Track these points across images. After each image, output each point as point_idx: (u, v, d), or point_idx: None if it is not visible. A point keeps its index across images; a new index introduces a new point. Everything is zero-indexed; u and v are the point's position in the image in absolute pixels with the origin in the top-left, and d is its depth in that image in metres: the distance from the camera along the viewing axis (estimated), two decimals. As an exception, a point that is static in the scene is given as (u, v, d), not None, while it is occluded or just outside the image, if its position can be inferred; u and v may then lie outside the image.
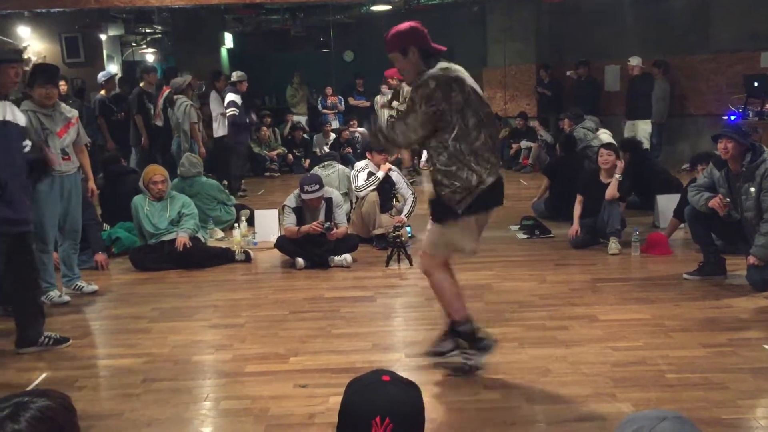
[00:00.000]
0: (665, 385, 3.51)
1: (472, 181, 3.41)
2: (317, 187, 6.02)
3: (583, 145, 8.70)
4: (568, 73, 11.94)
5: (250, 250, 6.48)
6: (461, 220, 3.51)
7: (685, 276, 5.33)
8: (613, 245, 6.14)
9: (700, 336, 4.15)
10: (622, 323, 4.41)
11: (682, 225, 6.19)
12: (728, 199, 5.07)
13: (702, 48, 10.86)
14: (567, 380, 3.59)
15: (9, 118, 3.98)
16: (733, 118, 8.68)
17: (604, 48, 11.87)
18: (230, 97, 9.71)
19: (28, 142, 4.24)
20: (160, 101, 9.07)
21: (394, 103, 11.02)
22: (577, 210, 6.52)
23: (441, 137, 3.42)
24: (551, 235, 6.83)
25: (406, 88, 12.19)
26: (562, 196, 7.21)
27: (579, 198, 6.57)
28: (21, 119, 4.22)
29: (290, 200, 6.20)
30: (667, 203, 6.85)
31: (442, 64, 3.45)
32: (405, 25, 3.54)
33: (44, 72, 5.14)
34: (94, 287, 5.52)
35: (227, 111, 9.68)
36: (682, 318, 4.48)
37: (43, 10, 10.54)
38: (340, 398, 1.77)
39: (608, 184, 6.39)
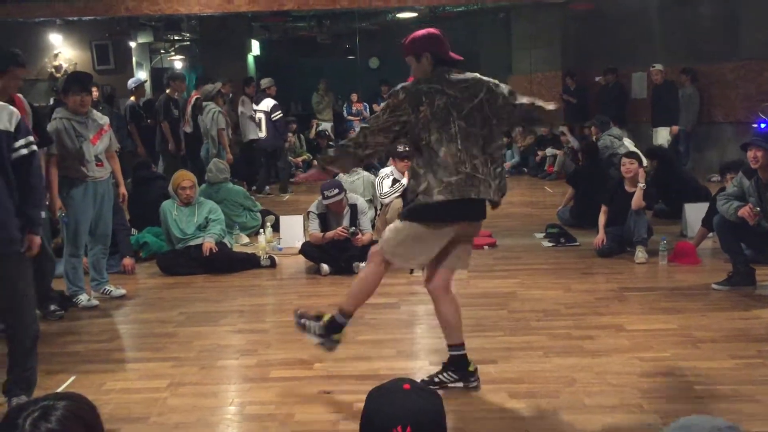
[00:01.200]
0: (694, 397, 3.46)
1: (433, 189, 3.32)
2: (337, 191, 6.05)
3: (609, 153, 8.65)
4: (597, 78, 11.87)
5: (275, 256, 6.52)
6: (408, 223, 3.45)
7: (713, 286, 5.26)
8: (640, 254, 6.08)
9: (729, 347, 4.09)
10: (649, 333, 4.36)
11: (711, 234, 6.11)
12: (758, 209, 5.00)
13: (731, 55, 10.72)
14: (593, 390, 3.56)
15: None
16: (762, 126, 8.55)
17: (630, 55, 11.78)
18: (271, 101, 9.99)
19: (23, 151, 3.83)
20: (189, 108, 9.19)
21: None
22: (602, 220, 6.46)
23: (411, 149, 3.50)
24: (576, 243, 6.78)
25: None
26: (587, 204, 7.16)
27: (604, 208, 6.50)
28: (11, 125, 3.96)
29: (315, 206, 6.23)
30: (695, 212, 6.77)
31: (438, 75, 3.40)
32: (423, 31, 3.55)
33: (78, 80, 5.22)
34: (122, 291, 5.59)
35: (273, 115, 9.95)
36: (710, 329, 4.42)
37: (75, 18, 10.75)
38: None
39: (633, 193, 6.34)
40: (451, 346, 3.66)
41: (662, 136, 10.39)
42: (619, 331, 4.42)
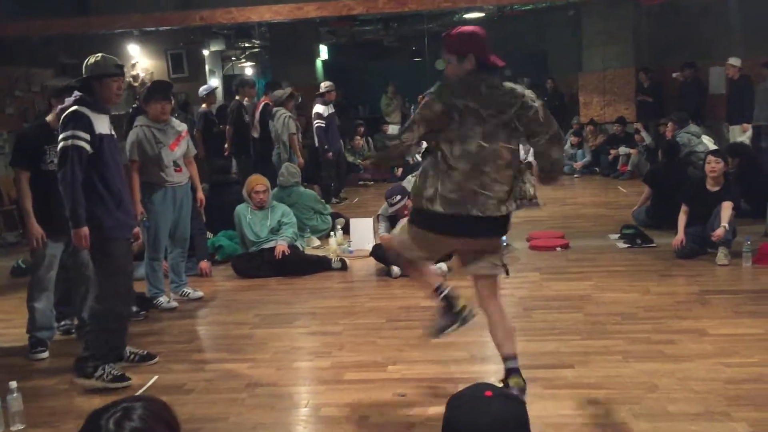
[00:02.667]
0: (784, 405, 3.31)
1: (421, 191, 3.31)
2: (399, 197, 6.07)
3: (687, 151, 8.36)
4: (674, 74, 11.50)
5: (346, 258, 6.57)
6: (411, 225, 3.48)
7: (802, 289, 5.02)
8: (722, 255, 5.85)
9: (821, 353, 3.90)
10: (734, 338, 4.19)
11: (798, 234, 5.84)
12: None
13: (816, 47, 10.21)
14: (676, 397, 3.44)
15: (112, 131, 4.17)
16: None
17: (707, 49, 11.35)
18: (316, 108, 9.96)
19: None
20: (257, 113, 9.36)
21: None
22: (682, 220, 6.25)
23: (430, 148, 3.46)
24: (653, 245, 6.58)
25: None
26: (665, 204, 6.94)
27: (684, 208, 6.29)
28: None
29: (384, 209, 6.26)
30: (780, 211, 6.48)
31: (472, 82, 3.26)
32: (470, 28, 3.36)
33: (160, 89, 5.41)
34: (200, 293, 5.75)
35: (314, 123, 9.92)
36: (800, 334, 4.22)
37: (152, 29, 11.11)
38: (439, 408, 1.77)
39: (716, 192, 6.11)
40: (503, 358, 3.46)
41: (738, 133, 9.99)
42: (701, 336, 4.26)
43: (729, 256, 5.85)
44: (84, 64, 4.13)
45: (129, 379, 4.00)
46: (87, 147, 3.90)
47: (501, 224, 3.41)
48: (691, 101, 10.92)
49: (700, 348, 4.07)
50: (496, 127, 3.23)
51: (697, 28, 11.52)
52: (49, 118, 4.55)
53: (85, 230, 3.90)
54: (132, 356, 4.31)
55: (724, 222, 5.85)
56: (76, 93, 4.05)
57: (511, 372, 3.37)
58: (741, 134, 9.87)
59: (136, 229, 4.52)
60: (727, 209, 5.92)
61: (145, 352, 4.37)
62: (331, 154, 10.03)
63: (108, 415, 1.49)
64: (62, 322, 4.97)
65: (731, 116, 10.25)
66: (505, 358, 3.42)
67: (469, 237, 3.39)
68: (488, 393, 1.71)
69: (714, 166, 6.20)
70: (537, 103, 3.31)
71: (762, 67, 10.25)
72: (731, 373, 3.69)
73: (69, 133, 3.89)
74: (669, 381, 3.63)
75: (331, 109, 10.12)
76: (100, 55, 4.14)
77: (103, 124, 4.04)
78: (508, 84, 3.32)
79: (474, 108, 3.21)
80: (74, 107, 3.97)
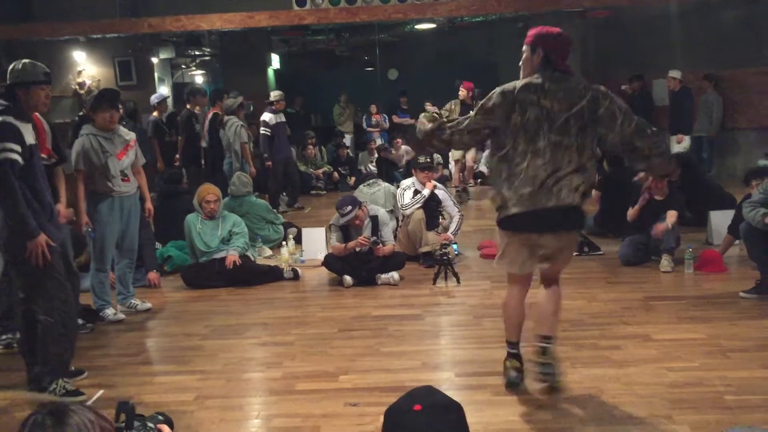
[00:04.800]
0: (724, 408, 3.42)
1: (497, 200, 3.51)
2: (350, 208, 6.07)
3: (632, 161, 8.57)
4: (622, 87, 11.79)
5: (298, 268, 6.54)
6: (501, 231, 3.60)
7: (741, 294, 5.19)
8: (666, 262, 6.02)
9: (759, 357, 4.04)
10: (677, 343, 4.32)
11: (737, 242, 6.04)
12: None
13: (753, 61, 10.61)
14: (621, 401, 3.52)
15: (35, 141, 3.97)
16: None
17: (652, 62, 11.70)
18: (264, 117, 9.89)
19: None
20: (207, 122, 9.26)
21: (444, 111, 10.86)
22: (635, 211, 6.39)
23: (493, 148, 3.58)
24: (600, 252, 6.72)
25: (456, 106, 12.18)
26: (613, 212, 7.11)
27: (631, 211, 6.44)
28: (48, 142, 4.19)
29: (336, 219, 6.26)
30: (720, 219, 6.70)
31: (539, 81, 3.39)
32: (555, 29, 3.54)
33: (107, 97, 5.29)
34: (148, 305, 5.64)
35: (260, 130, 9.84)
36: (739, 338, 4.36)
37: (99, 36, 10.91)
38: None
39: (660, 201, 6.28)
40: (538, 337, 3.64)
41: (673, 144, 10.31)
42: (646, 341, 4.37)
43: (672, 263, 6.03)
44: (9, 70, 3.91)
45: (82, 393, 3.90)
46: (19, 159, 3.73)
47: (579, 215, 3.55)
48: (638, 113, 11.20)
49: (645, 353, 4.18)
50: (567, 120, 3.35)
51: (642, 41, 11.85)
52: None
53: (43, 237, 3.77)
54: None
55: (669, 225, 6.02)
56: (0, 102, 3.84)
57: (542, 350, 3.59)
58: (677, 145, 10.19)
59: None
60: (672, 216, 6.10)
61: (74, 368, 4.23)
62: (269, 163, 9.90)
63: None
64: (3, 336, 4.82)
65: (673, 127, 10.58)
66: (543, 337, 3.60)
67: (551, 232, 3.48)
68: (417, 407, 1.70)
69: (656, 176, 6.37)
70: (610, 98, 3.43)
71: (703, 80, 10.63)
72: (674, 377, 3.79)
73: (0, 145, 3.69)
74: (614, 386, 3.72)
75: (280, 118, 10.04)
76: (27, 61, 3.94)
77: (30, 134, 3.87)
78: (576, 78, 3.46)
79: (537, 102, 3.35)
80: (1, 118, 3.76)
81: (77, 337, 4.38)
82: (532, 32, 3.53)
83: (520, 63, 3.55)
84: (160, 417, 2.83)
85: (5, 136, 3.71)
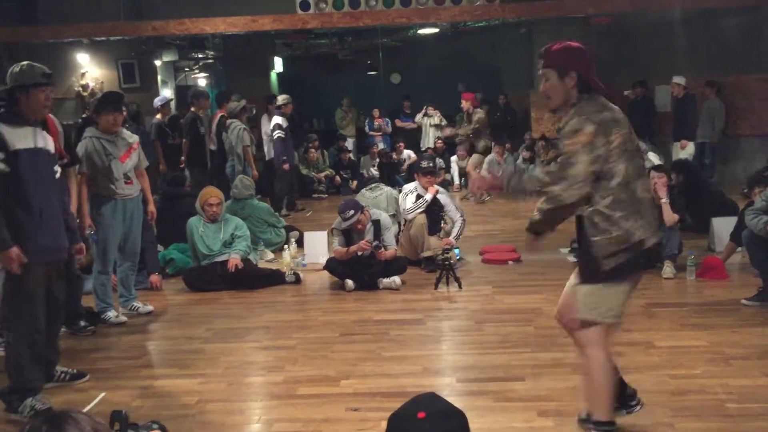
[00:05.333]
0: (726, 416, 3.41)
1: (634, 234, 2.92)
2: (352, 212, 6.06)
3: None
4: (625, 92, 11.79)
5: (299, 272, 6.54)
6: (608, 282, 2.98)
7: (743, 302, 5.18)
8: (668, 269, 6.01)
9: (761, 364, 4.03)
10: (679, 350, 4.31)
11: (739, 249, 6.03)
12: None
13: (755, 67, 10.63)
14: (623, 408, 3.51)
15: (41, 145, 3.85)
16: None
17: (654, 68, 11.70)
18: (276, 120, 9.92)
19: (57, 168, 4.07)
20: (214, 125, 9.29)
21: (460, 130, 10.76)
22: None
23: (602, 185, 2.94)
24: (603, 259, 6.70)
25: (477, 115, 12.15)
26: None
27: None
28: (51, 145, 4.00)
29: (338, 223, 6.25)
30: (722, 226, 6.69)
31: (598, 102, 3.01)
32: (575, 44, 3.11)
33: (111, 100, 5.29)
34: (150, 308, 5.64)
35: (273, 133, 9.87)
36: (741, 345, 4.36)
37: (102, 38, 10.93)
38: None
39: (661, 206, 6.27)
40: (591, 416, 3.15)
41: (677, 150, 10.32)
42: (648, 348, 4.37)
43: (674, 269, 6.02)
44: (8, 73, 3.84)
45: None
46: (1, 166, 3.62)
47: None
48: (641, 119, 11.22)
49: (647, 360, 4.17)
50: (633, 142, 3.01)
51: (644, 47, 11.85)
52: None
53: (14, 251, 3.61)
54: (63, 375, 4.16)
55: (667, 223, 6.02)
56: None
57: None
58: (680, 151, 10.19)
59: (79, 245, 4.25)
60: (671, 221, 6.09)
61: (76, 371, 4.21)
62: (287, 166, 9.99)
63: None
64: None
65: (676, 133, 10.58)
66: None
67: (647, 268, 3.20)
68: (421, 414, 1.70)
69: (657, 181, 6.37)
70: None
71: (705, 86, 10.64)
72: (676, 385, 3.79)
73: None
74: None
75: (286, 122, 10.11)
76: (25, 63, 3.86)
77: (24, 139, 3.74)
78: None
79: (619, 120, 2.99)
80: None
81: (79, 338, 4.39)
82: (553, 53, 3.06)
83: (543, 90, 3.08)
84: (155, 425, 2.84)
85: None
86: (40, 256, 3.78)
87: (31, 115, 3.83)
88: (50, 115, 4.13)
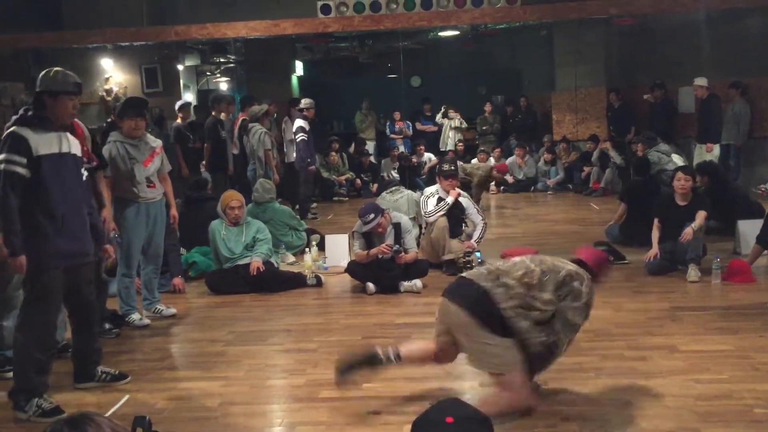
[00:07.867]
0: (753, 421, 3.36)
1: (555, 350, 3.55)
2: (373, 216, 6.04)
3: (658, 169, 8.51)
4: (645, 96, 11.69)
5: (321, 275, 6.55)
6: None
7: (770, 305, 5.11)
8: (693, 272, 5.94)
9: (789, 369, 3.97)
10: (705, 354, 4.25)
11: (766, 252, 5.95)
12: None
13: (782, 68, 10.48)
14: (648, 413, 3.48)
15: (65, 149, 3.86)
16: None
17: (677, 69, 11.59)
18: (298, 123, 9.95)
19: (84, 172, 4.10)
20: (236, 129, 9.34)
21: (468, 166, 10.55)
22: (656, 234, 6.34)
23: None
24: (626, 261, 6.65)
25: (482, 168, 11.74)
26: (638, 220, 7.04)
27: (657, 224, 6.39)
28: (77, 149, 4.02)
29: (359, 226, 6.25)
30: (749, 229, 6.60)
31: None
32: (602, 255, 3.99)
33: (134, 105, 5.36)
34: (173, 311, 5.68)
35: (296, 137, 9.90)
36: (769, 350, 4.29)
37: (126, 44, 11.06)
38: (414, 427, 1.76)
39: (685, 206, 6.22)
40: None
41: (703, 152, 10.19)
42: (673, 352, 4.32)
43: (699, 273, 5.94)
44: (39, 77, 3.85)
45: (62, 412, 3.73)
46: (22, 171, 3.64)
47: None
48: (661, 121, 11.13)
49: (672, 364, 4.12)
50: None
51: (667, 48, 11.76)
52: None
53: (21, 259, 3.65)
54: (104, 376, 4.21)
55: (695, 225, 5.95)
56: (22, 110, 3.78)
57: None
58: (706, 154, 10.06)
59: (108, 246, 4.40)
60: (700, 217, 6.04)
61: (117, 372, 4.26)
62: (313, 167, 10.07)
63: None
64: None
65: (700, 135, 10.46)
66: None
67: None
68: (449, 419, 1.69)
69: (683, 183, 6.31)
70: None
71: (730, 88, 10.50)
72: (702, 390, 3.74)
73: (3, 156, 3.62)
74: (641, 397, 3.67)
75: (308, 125, 10.15)
76: (59, 69, 3.87)
77: (49, 144, 3.75)
78: None
79: None
80: (13, 128, 3.69)
81: (105, 341, 4.42)
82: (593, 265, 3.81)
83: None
84: None
85: (11, 148, 3.65)
86: (60, 260, 3.81)
87: (57, 121, 3.85)
88: (77, 120, 4.18)
